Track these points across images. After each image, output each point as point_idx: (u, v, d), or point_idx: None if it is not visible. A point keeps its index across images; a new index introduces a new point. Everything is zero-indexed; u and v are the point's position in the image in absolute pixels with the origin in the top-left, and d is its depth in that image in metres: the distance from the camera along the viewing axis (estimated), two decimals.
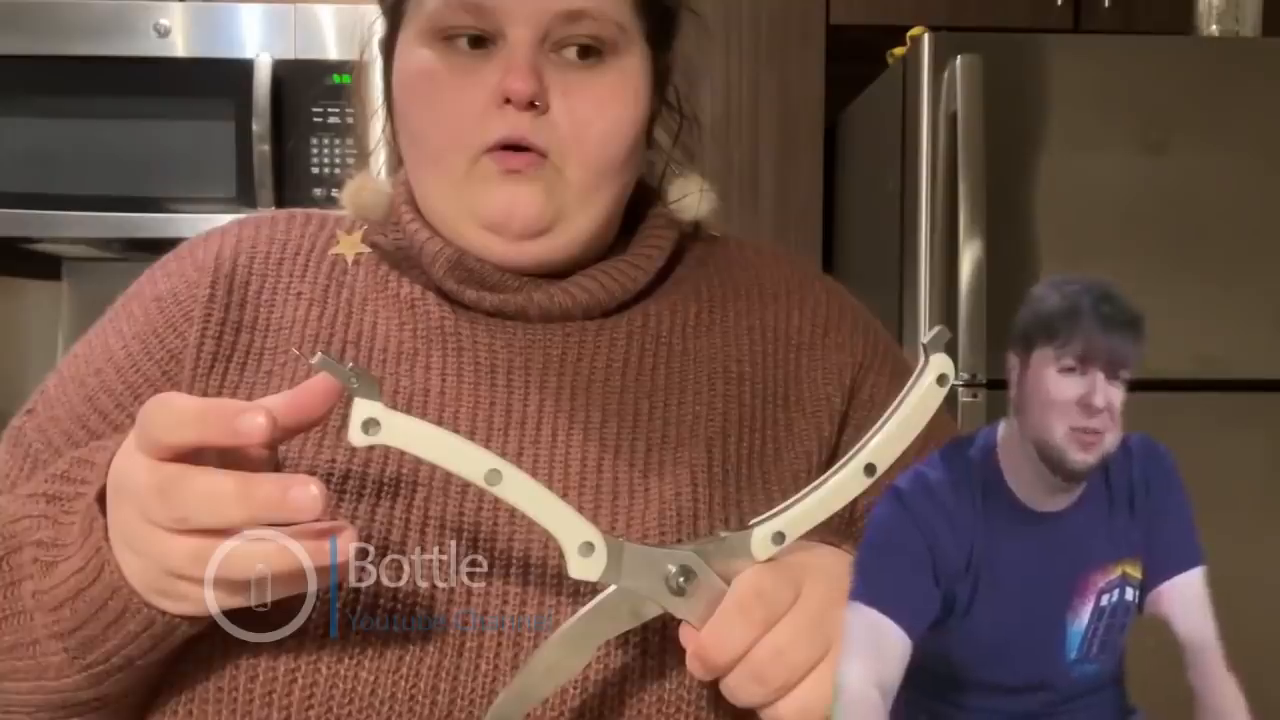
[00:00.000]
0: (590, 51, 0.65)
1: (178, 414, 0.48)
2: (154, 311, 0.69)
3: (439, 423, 0.61)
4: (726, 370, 0.70)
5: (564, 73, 0.65)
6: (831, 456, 0.69)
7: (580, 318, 0.69)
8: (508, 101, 0.63)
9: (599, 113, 0.65)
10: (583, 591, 0.59)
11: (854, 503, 0.55)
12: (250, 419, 0.48)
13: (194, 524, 0.48)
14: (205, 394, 0.65)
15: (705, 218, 0.76)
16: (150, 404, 0.49)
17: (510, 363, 0.67)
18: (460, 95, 0.65)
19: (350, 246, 0.71)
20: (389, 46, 0.71)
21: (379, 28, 0.73)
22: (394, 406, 0.58)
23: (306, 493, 0.47)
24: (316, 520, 0.48)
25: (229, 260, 0.70)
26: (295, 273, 0.70)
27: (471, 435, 0.63)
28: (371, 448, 0.50)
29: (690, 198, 0.75)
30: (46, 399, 0.70)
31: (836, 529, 0.63)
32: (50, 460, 0.65)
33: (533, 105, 0.64)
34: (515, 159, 0.65)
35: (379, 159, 0.79)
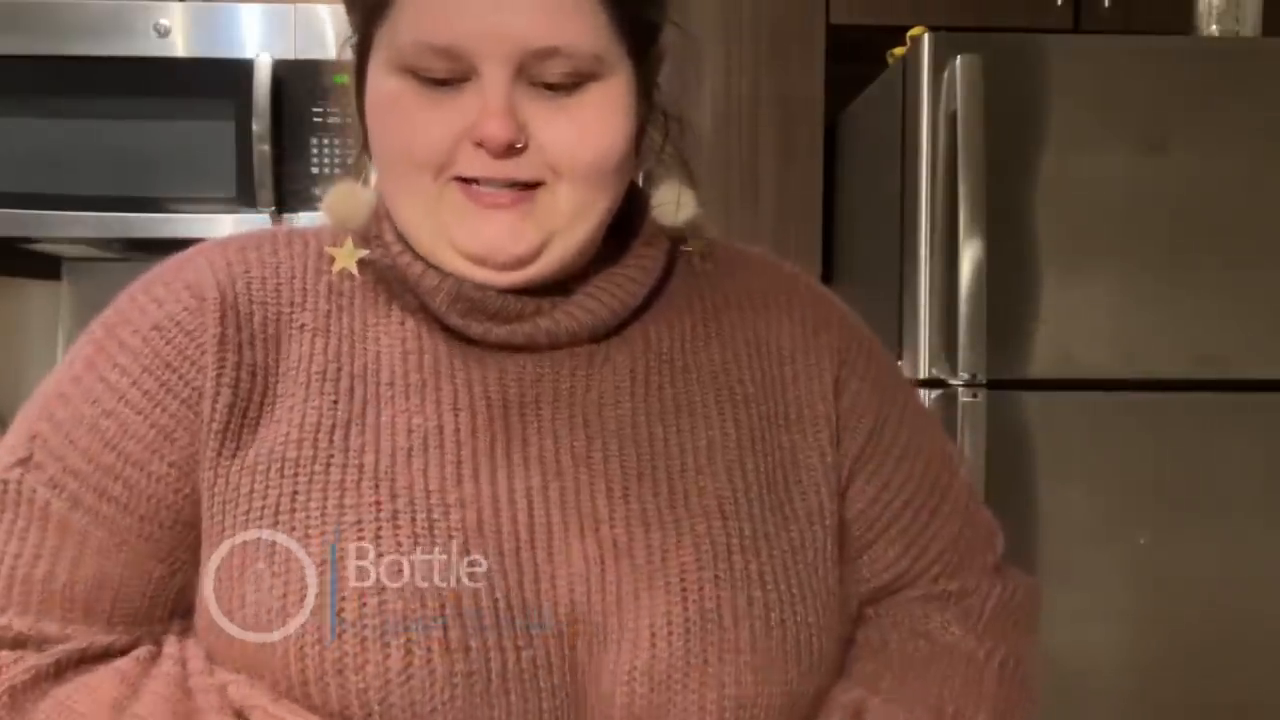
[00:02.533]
0: (569, 79, 0.62)
1: None
2: (158, 341, 0.65)
3: (458, 462, 0.62)
4: (731, 392, 0.70)
5: (543, 102, 0.62)
6: (839, 478, 0.71)
7: (586, 340, 0.68)
8: (480, 144, 0.61)
9: (583, 141, 0.63)
10: (578, 600, 0.59)
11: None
12: None
13: None
14: (220, 452, 0.63)
15: (693, 219, 0.74)
16: None
17: (522, 396, 0.66)
18: (430, 122, 0.62)
19: (348, 257, 0.69)
20: (360, 65, 0.67)
21: (349, 52, 0.69)
22: (409, 447, 0.57)
23: None
24: None
25: (229, 288, 0.67)
26: (295, 300, 0.68)
27: (493, 472, 0.63)
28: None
29: (676, 199, 0.73)
30: (49, 448, 0.64)
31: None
32: (74, 520, 0.62)
33: (511, 148, 0.61)
34: (498, 196, 0.62)
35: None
